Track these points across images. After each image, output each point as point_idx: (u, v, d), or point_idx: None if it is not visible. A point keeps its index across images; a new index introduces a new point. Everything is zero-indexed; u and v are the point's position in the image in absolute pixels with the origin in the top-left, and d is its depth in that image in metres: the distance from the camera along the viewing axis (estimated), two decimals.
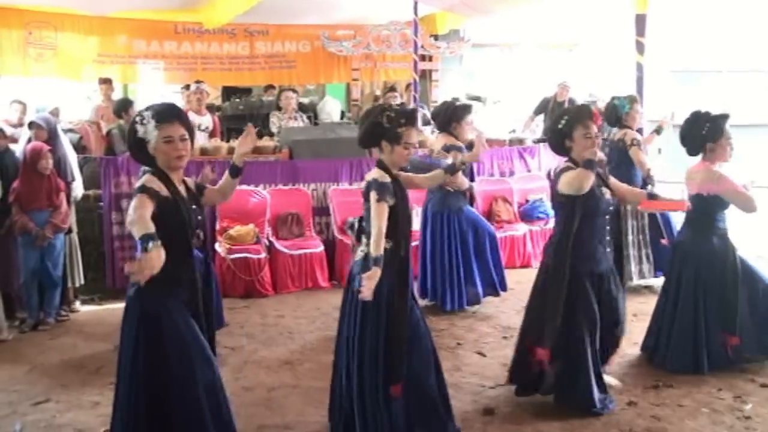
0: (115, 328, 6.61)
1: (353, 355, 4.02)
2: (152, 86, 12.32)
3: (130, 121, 8.60)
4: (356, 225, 7.94)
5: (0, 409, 4.89)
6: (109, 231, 7.79)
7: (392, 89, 11.05)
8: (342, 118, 11.45)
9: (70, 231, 7.02)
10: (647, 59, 7.77)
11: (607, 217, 4.59)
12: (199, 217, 3.61)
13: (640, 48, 7.75)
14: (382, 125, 4.03)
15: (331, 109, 11.39)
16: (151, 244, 3.07)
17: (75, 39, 11.20)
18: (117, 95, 10.59)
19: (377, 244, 3.83)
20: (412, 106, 9.36)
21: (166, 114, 3.48)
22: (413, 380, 4.01)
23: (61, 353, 6.08)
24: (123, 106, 8.97)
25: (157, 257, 3.06)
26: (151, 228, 3.16)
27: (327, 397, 4.72)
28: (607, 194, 4.57)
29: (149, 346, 3.41)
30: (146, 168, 4.94)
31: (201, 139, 8.88)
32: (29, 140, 6.92)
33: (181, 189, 3.58)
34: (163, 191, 3.43)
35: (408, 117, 4.08)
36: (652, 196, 4.77)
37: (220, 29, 11.93)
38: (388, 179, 3.99)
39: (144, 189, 3.37)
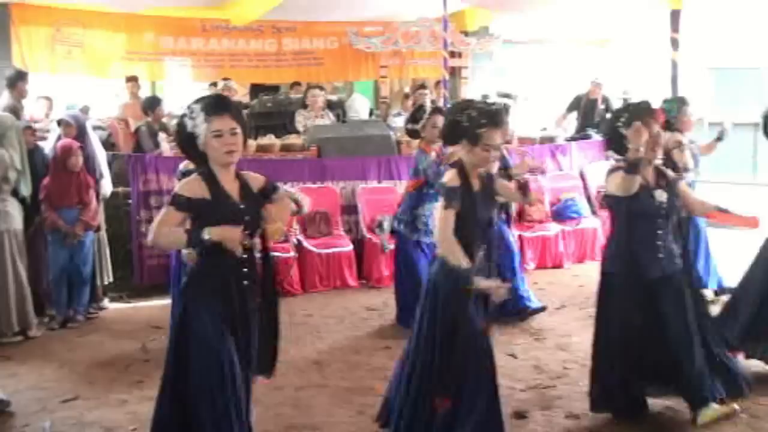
0: (142, 326, 6.78)
1: (416, 359, 3.94)
2: (179, 84, 12.41)
3: (157, 119, 8.86)
4: (385, 224, 8.05)
5: (29, 406, 4.96)
6: (137, 228, 7.87)
7: (422, 86, 11.05)
8: (370, 115, 11.45)
9: (98, 228, 7.12)
10: (682, 56, 7.72)
11: (660, 220, 4.31)
12: (246, 218, 3.36)
13: (674, 44, 7.73)
14: (461, 124, 3.93)
15: (360, 106, 11.41)
16: (205, 234, 3.20)
17: (102, 36, 11.37)
18: (144, 93, 10.71)
19: (452, 253, 3.78)
20: (439, 104, 9.37)
21: (216, 106, 3.36)
22: (465, 398, 3.85)
23: (89, 351, 6.16)
24: (150, 104, 9.07)
25: (227, 230, 3.23)
26: (183, 230, 3.26)
27: (355, 397, 4.75)
28: (661, 196, 4.30)
29: (178, 346, 3.39)
30: (183, 167, 5.02)
31: None
32: (59, 138, 7.02)
33: (232, 187, 3.41)
34: (198, 194, 3.30)
35: (491, 117, 3.90)
36: (722, 210, 4.51)
37: (247, 26, 12.05)
38: (457, 183, 3.89)
39: (174, 199, 3.31)
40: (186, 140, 3.40)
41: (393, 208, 8.11)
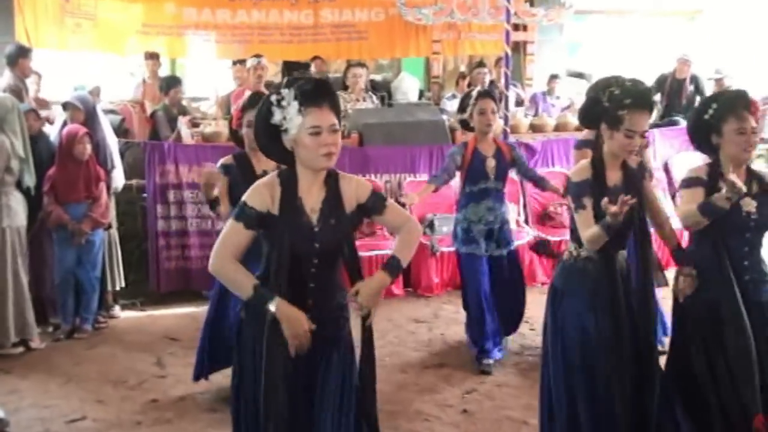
0: (158, 338, 6.84)
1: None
2: (202, 61, 12.51)
3: (176, 102, 8.92)
4: (435, 223, 8.02)
5: (31, 426, 5.02)
6: (153, 226, 7.94)
7: (480, 64, 10.98)
8: (420, 98, 11.42)
9: (109, 226, 7.19)
10: None
11: (748, 235, 4.01)
12: (316, 245, 3.15)
13: None
14: (601, 103, 3.88)
15: (408, 87, 11.37)
16: (271, 306, 3.04)
17: (117, 7, 11.50)
18: (162, 72, 10.80)
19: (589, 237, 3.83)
20: (500, 85, 9.31)
21: (315, 95, 3.10)
22: None
23: (98, 365, 6.22)
24: (169, 84, 9.16)
25: (293, 319, 3.04)
26: (251, 280, 3.09)
27: (401, 422, 4.71)
28: (750, 205, 3.98)
29: (243, 374, 3.29)
30: (224, 161, 5.03)
31: None
32: (64, 123, 7.10)
33: (314, 199, 3.20)
34: (269, 206, 3.14)
35: (636, 97, 3.81)
36: None
37: None
38: (586, 176, 3.87)
39: (241, 212, 3.13)
40: (267, 132, 3.16)
41: (445, 205, 8.13)
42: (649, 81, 11.30)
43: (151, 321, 7.39)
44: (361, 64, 10.11)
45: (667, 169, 9.46)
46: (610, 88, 3.85)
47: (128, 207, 7.98)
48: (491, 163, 5.98)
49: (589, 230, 3.79)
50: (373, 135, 8.71)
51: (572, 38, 13.04)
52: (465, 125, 6.17)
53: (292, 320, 3.04)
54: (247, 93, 8.91)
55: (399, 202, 8.29)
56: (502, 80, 9.45)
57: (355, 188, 3.25)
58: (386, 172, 8.54)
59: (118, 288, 7.48)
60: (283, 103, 3.08)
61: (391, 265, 3.25)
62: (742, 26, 12.43)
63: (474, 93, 6.03)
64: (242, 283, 3.08)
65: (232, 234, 3.12)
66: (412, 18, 11.87)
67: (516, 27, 11.07)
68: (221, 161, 5.03)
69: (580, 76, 12.35)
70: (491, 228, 5.99)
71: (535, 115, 10.61)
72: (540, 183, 6.36)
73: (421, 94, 11.73)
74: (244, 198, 3.14)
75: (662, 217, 4.15)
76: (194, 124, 9.01)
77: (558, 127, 9.86)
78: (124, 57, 11.74)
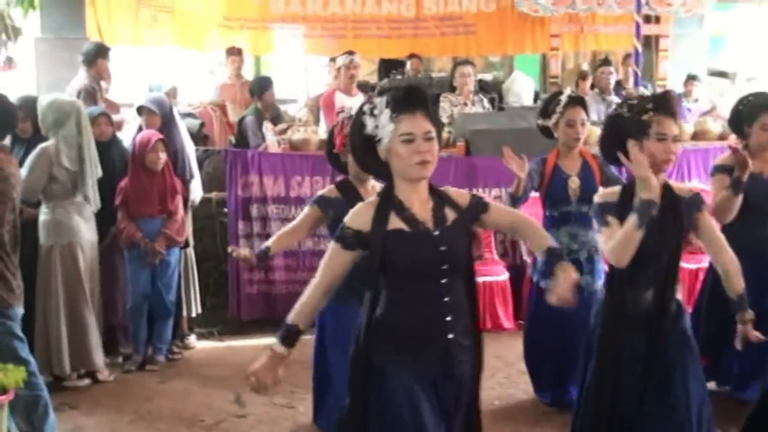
0: (237, 371, 6.83)
1: None
2: (290, 58, 12.65)
3: (268, 106, 9.01)
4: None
5: None
6: (235, 245, 8.00)
7: (605, 62, 10.86)
8: (536, 101, 11.31)
9: (186, 245, 7.32)
10: None
11: None
12: (443, 248, 3.30)
13: None
14: (621, 116, 4.17)
15: (521, 89, 11.31)
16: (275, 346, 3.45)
17: None
18: (246, 71, 10.95)
19: (611, 246, 3.99)
20: (629, 86, 9.15)
21: (406, 101, 3.27)
22: None
23: (171, 401, 6.34)
24: (262, 86, 9.30)
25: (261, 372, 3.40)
26: (294, 316, 3.44)
27: None
28: None
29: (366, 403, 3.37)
30: (325, 193, 5.08)
31: None
32: (139, 129, 7.25)
33: (422, 209, 3.35)
34: (367, 224, 3.29)
35: (657, 101, 4.12)
36: None
37: None
38: (613, 199, 4.10)
39: (341, 235, 3.34)
40: (363, 144, 3.36)
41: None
42: None
43: (230, 352, 7.49)
44: (470, 62, 10.07)
45: None
46: (628, 100, 4.29)
47: (207, 223, 8.12)
48: (575, 183, 5.76)
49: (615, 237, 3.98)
50: (481, 143, 8.65)
51: (715, 31, 12.77)
52: (546, 133, 5.98)
53: (264, 371, 3.37)
54: (338, 95, 9.07)
55: None
56: (631, 80, 9.35)
57: (456, 196, 3.44)
58: (496, 185, 8.45)
59: (194, 314, 7.61)
60: (376, 111, 3.28)
61: (555, 251, 3.48)
62: None
63: (563, 98, 5.84)
64: (293, 312, 3.39)
65: (331, 258, 3.35)
66: (527, 9, 11.80)
67: (648, 18, 10.93)
68: (320, 193, 5.10)
69: (723, 75, 12.12)
70: (576, 258, 5.64)
71: None
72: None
73: (536, 97, 11.64)
74: (345, 222, 3.35)
75: (727, 259, 4.17)
76: (281, 130, 9.10)
77: (696, 135, 9.60)
78: (204, 53, 11.96)
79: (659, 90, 11.21)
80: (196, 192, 7.66)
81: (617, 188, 4.21)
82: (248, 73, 11.34)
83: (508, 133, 8.68)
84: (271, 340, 6.93)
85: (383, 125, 3.25)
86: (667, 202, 4.03)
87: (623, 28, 11.27)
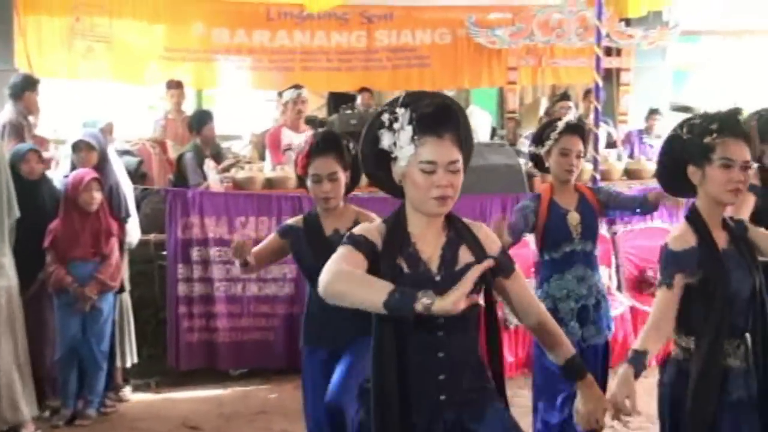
0: (176, 426, 6.81)
1: None
2: (235, 92, 12.65)
3: (209, 142, 8.95)
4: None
5: None
6: (174, 291, 7.92)
7: (564, 97, 10.93)
8: (493, 137, 11.39)
9: (121, 290, 7.23)
10: None
11: None
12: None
13: None
14: (679, 138, 3.74)
15: (478, 124, 11.33)
16: (425, 300, 2.66)
17: (136, 28, 11.73)
18: (188, 105, 10.92)
19: (645, 336, 3.60)
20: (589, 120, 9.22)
21: (436, 120, 2.99)
22: None
23: None
24: (201, 120, 9.25)
25: (454, 299, 2.68)
26: (385, 283, 2.79)
27: None
28: None
29: None
30: (293, 222, 4.94)
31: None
32: (73, 166, 7.17)
33: (436, 243, 3.10)
34: (377, 241, 3.05)
35: (722, 120, 3.67)
36: None
37: (327, 13, 12.18)
38: (691, 244, 3.64)
39: (349, 238, 3.04)
40: (374, 159, 3.09)
41: (524, 269, 7.99)
42: None
43: (168, 405, 7.36)
44: None
45: None
46: (689, 120, 3.78)
47: (144, 267, 8.01)
48: (574, 218, 5.40)
49: (660, 320, 3.62)
50: None
51: (678, 65, 12.93)
52: (538, 163, 5.60)
53: (448, 302, 2.67)
54: (285, 131, 9.04)
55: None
56: (591, 116, 9.37)
57: (483, 237, 3.19)
58: None
59: (129, 365, 7.48)
60: (396, 125, 2.99)
61: (577, 365, 3.28)
62: None
63: (560, 124, 5.38)
64: (375, 284, 2.79)
65: (342, 255, 2.98)
66: (484, 40, 11.88)
67: (609, 51, 11.04)
68: (288, 222, 4.98)
69: (687, 110, 12.21)
70: (585, 305, 5.34)
71: (631, 157, 10.47)
72: (636, 203, 5.63)
73: (493, 133, 11.72)
74: (355, 231, 3.09)
75: None
76: (224, 168, 9.05)
77: None
78: (143, 87, 11.91)
79: (684, 114, 11.37)
80: (133, 234, 7.58)
81: (684, 224, 3.73)
82: (190, 108, 11.28)
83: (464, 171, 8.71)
84: (212, 393, 6.88)
85: (402, 145, 2.97)
86: (736, 242, 3.73)
87: (583, 61, 11.37)
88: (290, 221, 4.94)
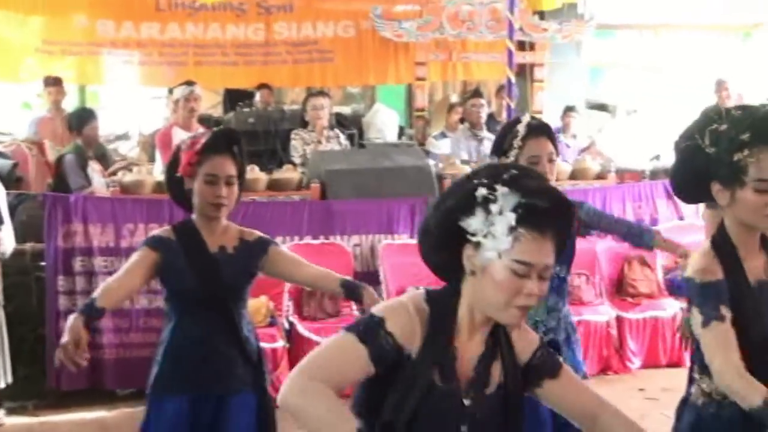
0: None
1: None
2: (122, 89, 12.48)
3: (91, 142, 8.83)
4: None
5: None
6: (54, 304, 7.81)
7: (476, 94, 10.99)
8: (400, 137, 11.41)
9: None
10: None
11: None
12: (464, 426, 2.68)
13: None
14: (703, 152, 3.25)
15: (384, 123, 11.36)
16: None
17: (10, 20, 11.46)
18: (70, 103, 10.74)
19: (740, 387, 3.04)
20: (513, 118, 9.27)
21: (549, 216, 2.57)
22: None
23: None
24: (82, 119, 9.09)
25: None
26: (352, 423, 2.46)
27: None
28: None
29: None
30: (162, 233, 4.46)
31: None
32: None
33: (475, 351, 2.72)
34: (410, 343, 2.62)
35: (756, 130, 3.16)
36: None
37: (222, 4, 12.09)
38: (717, 276, 3.22)
39: (369, 331, 2.57)
40: (442, 232, 2.64)
41: (431, 276, 8.02)
42: (694, 115, 11.38)
43: (47, 429, 7.25)
44: (324, 93, 10.11)
45: None
46: (713, 124, 3.25)
47: (20, 279, 7.83)
48: None
49: (725, 360, 3.10)
50: (339, 185, 8.63)
51: (593, 61, 13.10)
52: None
53: None
54: (177, 131, 8.93)
55: (372, 272, 8.29)
56: (504, 113, 9.45)
57: (517, 337, 2.79)
58: (356, 232, 8.46)
59: (3, 385, 7.30)
60: (494, 207, 2.53)
61: None
62: None
63: (520, 128, 4.75)
64: (334, 425, 2.42)
65: (344, 353, 2.56)
66: (390, 34, 11.84)
67: (522, 46, 11.11)
68: (156, 233, 4.45)
69: (602, 108, 12.41)
70: (554, 339, 4.78)
71: None
72: (632, 233, 5.23)
73: (401, 132, 11.73)
74: (381, 313, 2.62)
75: None
76: (110, 172, 8.92)
77: (575, 174, 9.78)
78: (18, 84, 11.69)
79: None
80: (7, 243, 7.38)
81: (707, 250, 3.32)
82: (72, 106, 11.09)
83: (370, 173, 8.71)
84: (95, 415, 6.74)
85: (496, 234, 2.52)
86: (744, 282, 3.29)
87: (496, 56, 11.39)
88: (157, 232, 4.43)
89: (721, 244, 3.30)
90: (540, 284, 2.53)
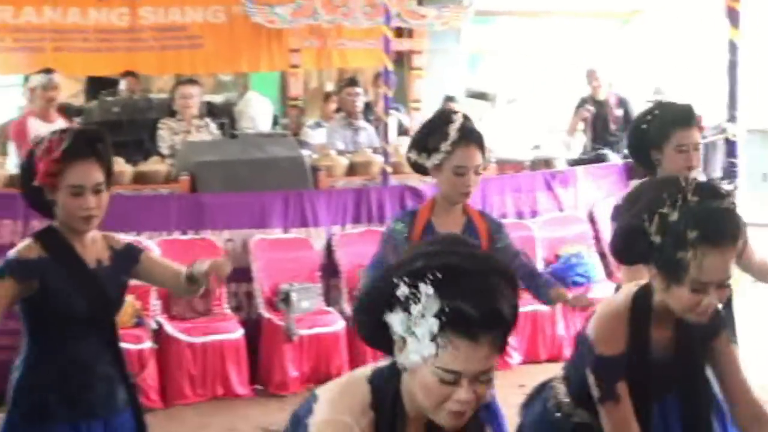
0: None
1: None
2: None
3: None
4: (293, 296, 7.89)
5: None
6: None
7: (352, 82, 10.99)
8: (274, 126, 11.39)
9: None
10: (746, 36, 7.73)
11: None
12: None
13: (733, 18, 7.70)
14: (645, 235, 3.18)
15: (257, 112, 11.35)
16: None
17: None
18: None
19: None
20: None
21: (476, 325, 2.30)
22: None
23: None
24: None
25: None
26: None
27: None
28: None
29: None
30: (25, 253, 4.29)
31: None
32: None
33: None
34: None
35: (704, 226, 3.08)
36: None
37: None
38: (619, 350, 3.27)
39: None
40: (372, 319, 2.45)
41: (305, 272, 8.12)
42: (570, 105, 11.57)
43: None
44: (193, 81, 10.01)
45: (592, 218, 9.56)
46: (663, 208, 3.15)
47: None
48: None
49: None
50: (209, 177, 8.57)
51: (473, 47, 13.22)
52: (421, 170, 4.84)
53: None
54: (33, 122, 8.75)
55: (244, 269, 8.22)
56: (381, 103, 9.47)
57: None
58: (227, 227, 8.36)
59: None
60: (414, 309, 2.29)
61: None
62: (689, 33, 12.83)
63: (452, 131, 4.48)
64: None
65: None
66: (262, 19, 11.79)
67: (400, 32, 11.20)
68: (14, 256, 3.89)
69: (482, 97, 12.52)
70: None
71: None
72: (535, 285, 4.86)
73: (275, 122, 11.73)
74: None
75: (744, 392, 3.41)
76: None
77: None
78: None
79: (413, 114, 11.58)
80: None
81: (619, 314, 3.32)
82: None
83: (242, 165, 8.68)
84: None
85: (419, 338, 2.29)
86: (681, 342, 3.40)
87: (372, 43, 11.46)
88: (20, 254, 3.88)
89: (639, 316, 3.29)
90: (475, 389, 2.29)
